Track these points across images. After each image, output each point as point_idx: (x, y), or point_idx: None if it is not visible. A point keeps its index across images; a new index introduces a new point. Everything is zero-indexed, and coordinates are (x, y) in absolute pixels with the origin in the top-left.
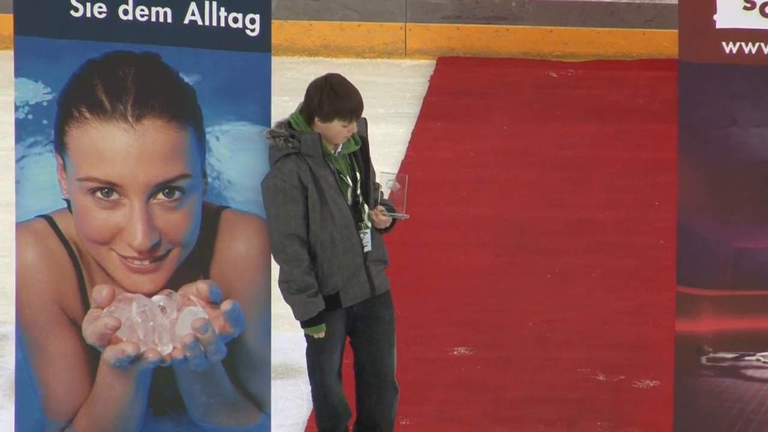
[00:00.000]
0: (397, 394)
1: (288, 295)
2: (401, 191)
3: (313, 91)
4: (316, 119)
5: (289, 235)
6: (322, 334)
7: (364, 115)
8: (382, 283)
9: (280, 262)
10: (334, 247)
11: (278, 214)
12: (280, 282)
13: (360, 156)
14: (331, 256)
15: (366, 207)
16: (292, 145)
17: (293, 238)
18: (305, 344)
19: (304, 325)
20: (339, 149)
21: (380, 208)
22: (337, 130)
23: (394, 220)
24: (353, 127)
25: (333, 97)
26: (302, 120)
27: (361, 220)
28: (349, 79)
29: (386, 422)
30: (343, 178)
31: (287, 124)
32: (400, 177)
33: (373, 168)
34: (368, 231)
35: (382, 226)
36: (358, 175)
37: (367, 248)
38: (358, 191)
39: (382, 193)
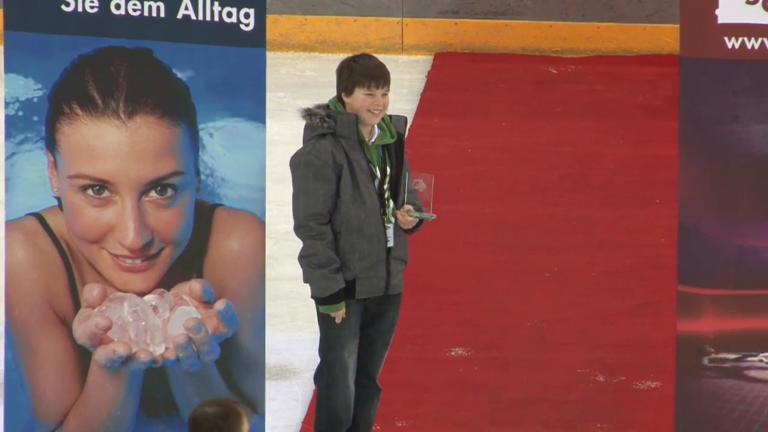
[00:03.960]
0: (379, 394)
1: (309, 269)
2: (427, 191)
3: (338, 68)
4: (343, 96)
5: (316, 213)
6: (340, 314)
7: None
8: (398, 284)
9: (303, 238)
10: (360, 231)
11: (307, 189)
12: (301, 257)
13: (394, 150)
14: (355, 241)
15: (391, 203)
16: (327, 125)
17: (319, 216)
18: (300, 345)
19: (323, 302)
20: (373, 138)
21: (407, 207)
22: (361, 100)
23: (421, 221)
24: (379, 99)
25: (352, 66)
26: (339, 103)
27: (385, 214)
28: None
29: (365, 421)
30: (372, 168)
31: (326, 106)
32: (425, 177)
33: (408, 167)
34: (391, 226)
35: (407, 227)
36: (388, 169)
37: (390, 243)
38: (386, 185)
39: (416, 191)
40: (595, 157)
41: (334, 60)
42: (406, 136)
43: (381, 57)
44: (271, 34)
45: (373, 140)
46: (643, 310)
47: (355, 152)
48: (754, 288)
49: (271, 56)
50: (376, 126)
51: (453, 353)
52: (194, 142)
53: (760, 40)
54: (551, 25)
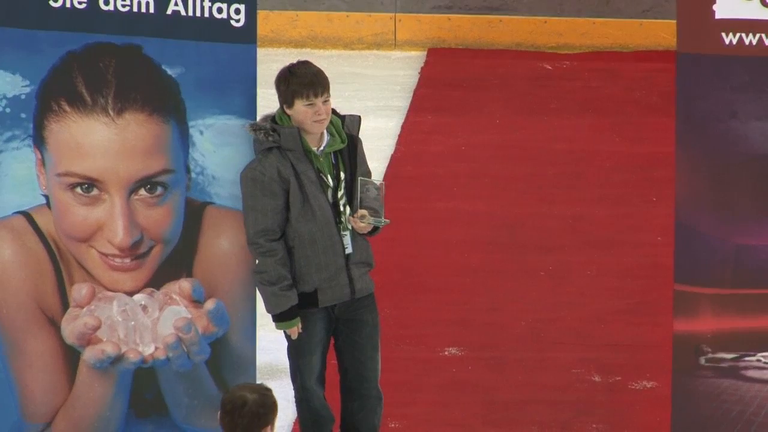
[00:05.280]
0: (380, 401)
1: (260, 286)
2: (378, 198)
3: (276, 80)
4: (285, 109)
5: (265, 229)
6: (294, 330)
7: (353, 110)
8: (364, 286)
9: (254, 254)
10: (313, 244)
11: (255, 206)
12: (254, 272)
13: (347, 155)
14: (310, 254)
15: (347, 209)
16: (272, 138)
17: (268, 232)
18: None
19: (275, 319)
20: (322, 147)
21: (361, 213)
22: (302, 113)
23: (376, 226)
24: (320, 107)
25: (289, 78)
26: (285, 115)
27: (341, 222)
28: (336, 71)
29: (369, 429)
30: (324, 177)
31: (272, 118)
32: (376, 183)
33: (367, 168)
34: (348, 233)
35: (362, 232)
36: (342, 174)
37: (348, 250)
38: (340, 192)
39: (374, 192)
40: (590, 155)
41: (326, 56)
42: (393, 135)
43: (373, 53)
44: (261, 29)
45: (321, 148)
46: (640, 310)
47: (302, 164)
48: (751, 287)
49: (261, 52)
50: (325, 132)
51: (446, 353)
52: (184, 140)
53: (758, 35)
54: (546, 21)
